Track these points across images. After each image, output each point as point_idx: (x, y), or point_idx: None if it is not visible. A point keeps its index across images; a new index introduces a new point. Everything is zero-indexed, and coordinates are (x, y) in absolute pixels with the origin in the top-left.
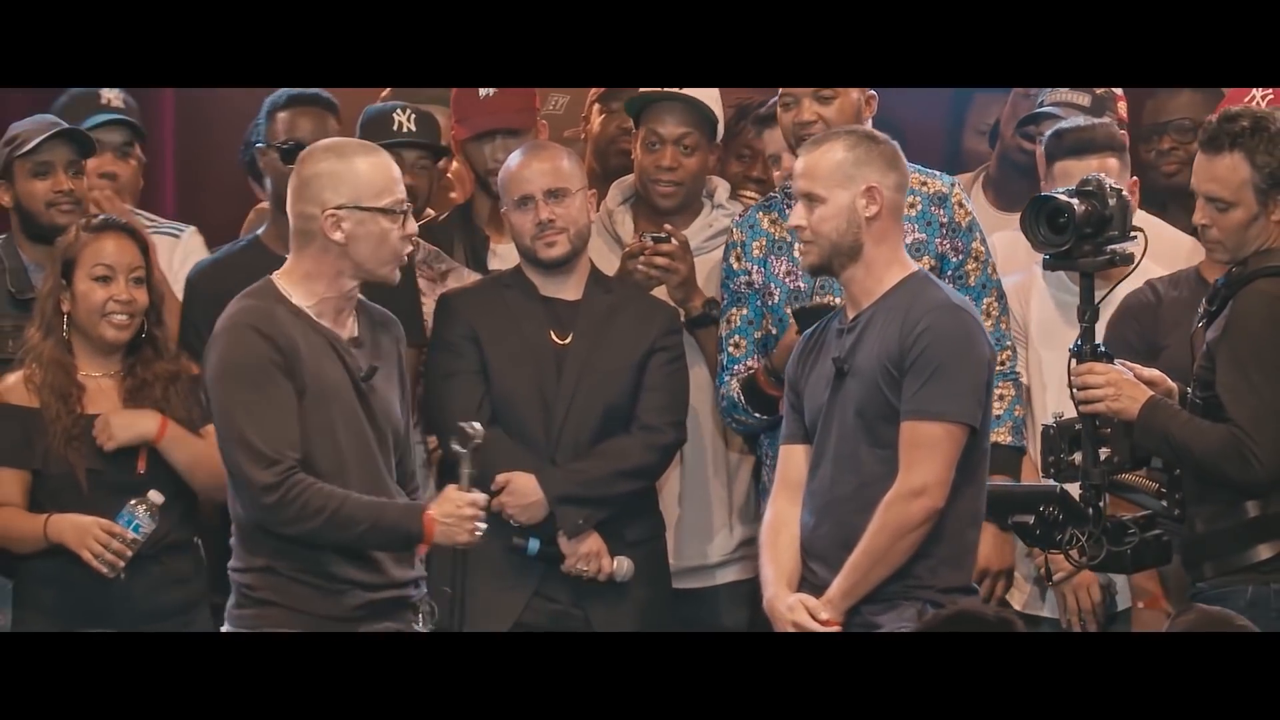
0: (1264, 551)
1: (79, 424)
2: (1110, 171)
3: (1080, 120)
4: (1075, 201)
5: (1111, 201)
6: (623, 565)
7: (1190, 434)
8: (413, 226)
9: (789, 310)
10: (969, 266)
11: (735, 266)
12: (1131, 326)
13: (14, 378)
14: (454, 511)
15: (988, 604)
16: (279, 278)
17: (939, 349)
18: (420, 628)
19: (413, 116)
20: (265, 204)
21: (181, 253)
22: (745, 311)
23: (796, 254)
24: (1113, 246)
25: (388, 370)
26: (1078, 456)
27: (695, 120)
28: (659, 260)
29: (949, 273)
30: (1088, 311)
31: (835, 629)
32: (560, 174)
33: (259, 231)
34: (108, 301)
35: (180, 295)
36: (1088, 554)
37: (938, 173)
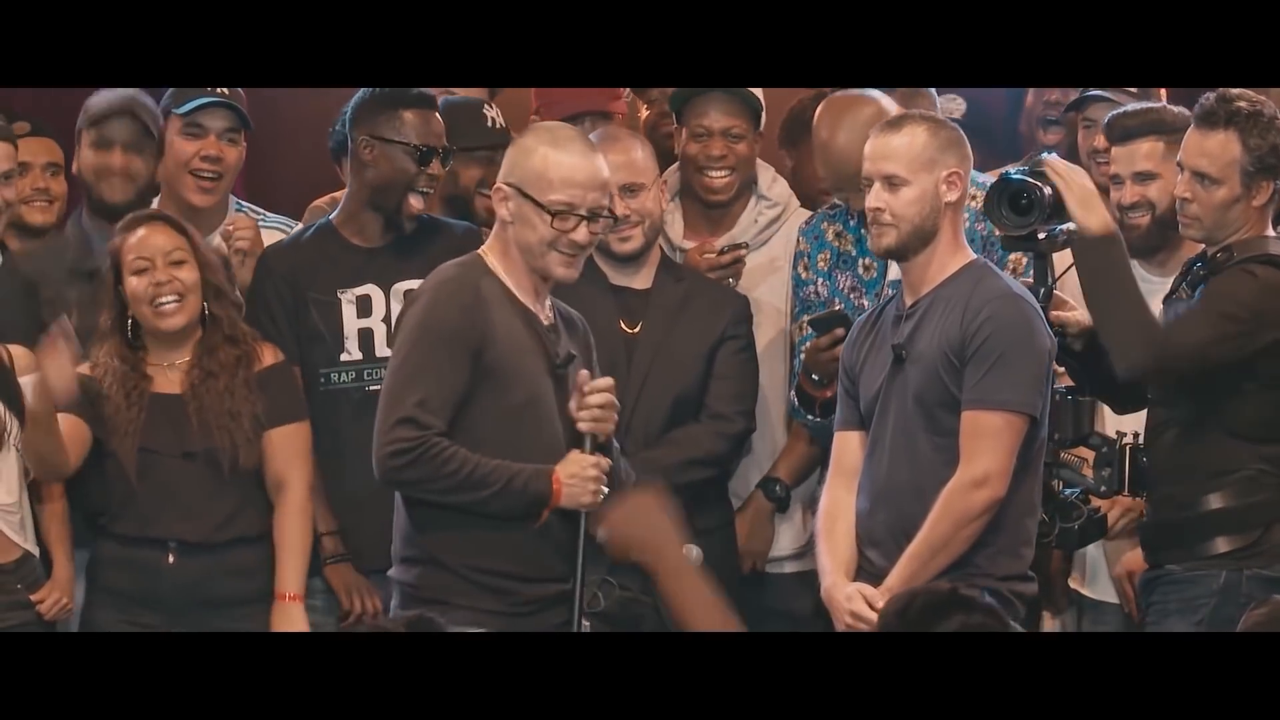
0: (1222, 545)
1: (138, 418)
2: (1155, 155)
3: (1130, 106)
4: (1036, 183)
5: None
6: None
7: (1131, 291)
8: (582, 235)
9: (807, 320)
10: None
11: (803, 276)
12: None
13: (83, 366)
14: (578, 472)
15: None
16: (486, 252)
17: (1001, 338)
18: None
19: (499, 114)
20: (320, 202)
21: None
22: None
23: (866, 236)
24: (1064, 226)
25: (583, 364)
26: None
27: (741, 110)
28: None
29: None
30: (1040, 290)
31: None
32: (635, 168)
33: (332, 216)
34: (149, 288)
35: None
36: (1048, 535)
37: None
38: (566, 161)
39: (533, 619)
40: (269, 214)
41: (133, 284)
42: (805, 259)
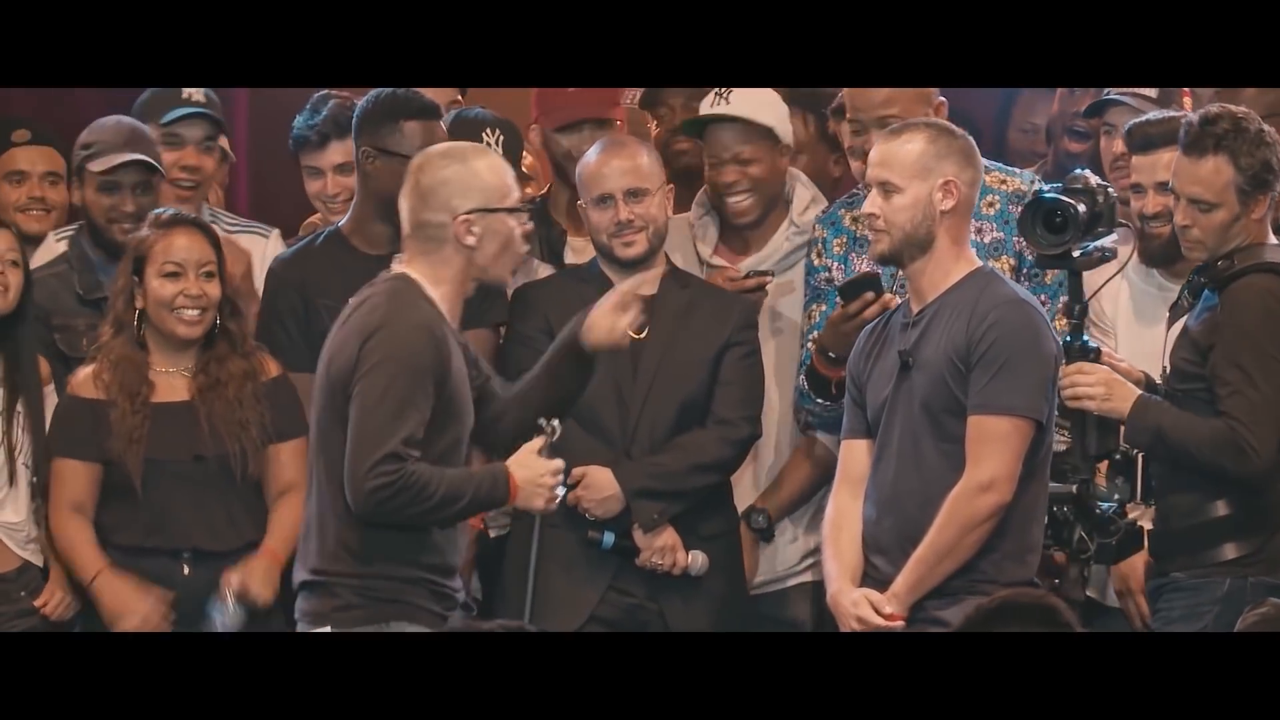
0: (1230, 551)
1: (143, 425)
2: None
3: (1151, 114)
4: (1070, 201)
5: (1100, 199)
6: (697, 559)
7: (1185, 430)
8: (530, 226)
9: (837, 286)
10: None
11: (816, 263)
12: None
13: (85, 372)
14: (534, 478)
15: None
16: (416, 276)
17: (1006, 343)
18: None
19: (500, 138)
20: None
21: (271, 252)
22: (824, 308)
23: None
24: (1098, 244)
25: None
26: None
27: (746, 135)
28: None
29: (1025, 270)
30: (1075, 308)
31: (899, 624)
32: (640, 173)
33: (340, 224)
34: (177, 296)
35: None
36: (1087, 550)
37: (1018, 170)
38: (499, 165)
39: (446, 620)
40: (246, 220)
41: (156, 286)
42: (820, 245)
